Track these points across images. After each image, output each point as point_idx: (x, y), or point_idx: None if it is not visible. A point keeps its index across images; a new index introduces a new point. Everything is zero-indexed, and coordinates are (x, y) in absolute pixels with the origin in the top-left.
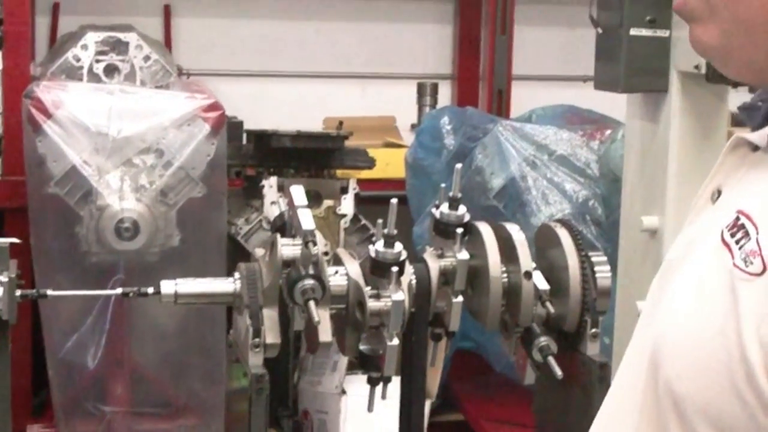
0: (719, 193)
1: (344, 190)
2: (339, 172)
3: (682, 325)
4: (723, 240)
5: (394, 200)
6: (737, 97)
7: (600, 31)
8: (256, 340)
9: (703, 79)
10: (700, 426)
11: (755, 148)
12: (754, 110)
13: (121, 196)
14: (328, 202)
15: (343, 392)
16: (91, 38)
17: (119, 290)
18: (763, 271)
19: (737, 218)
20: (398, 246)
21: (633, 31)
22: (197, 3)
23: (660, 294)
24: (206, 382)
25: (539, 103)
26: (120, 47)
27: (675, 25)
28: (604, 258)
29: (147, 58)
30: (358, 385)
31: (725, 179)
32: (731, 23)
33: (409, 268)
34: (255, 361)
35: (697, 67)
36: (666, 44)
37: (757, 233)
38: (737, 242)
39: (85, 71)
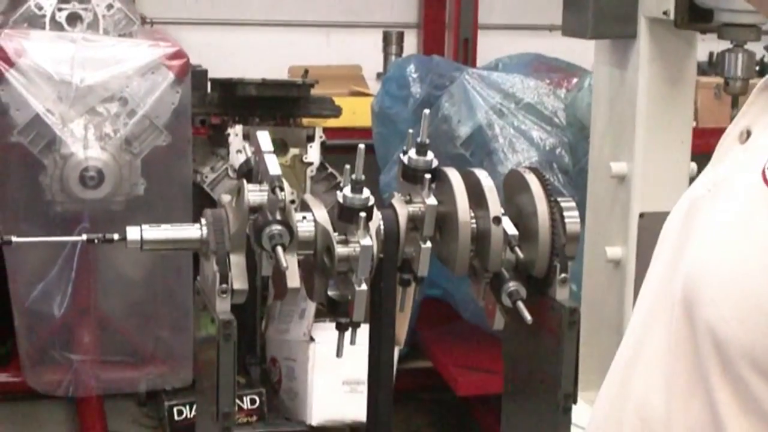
0: (749, 133)
1: (310, 139)
2: (305, 121)
3: (723, 263)
4: (765, 178)
5: (361, 145)
6: (705, 45)
7: None
8: (224, 285)
9: (671, 25)
10: (745, 370)
11: None
12: None
13: (85, 145)
14: (294, 151)
15: (311, 339)
16: None
17: (84, 237)
18: None
19: None
20: (366, 192)
21: None
22: None
23: (686, 232)
24: (173, 330)
25: (505, 52)
26: None
27: None
28: (573, 204)
29: (110, 6)
30: (325, 332)
31: (755, 119)
32: None
33: (377, 214)
34: (222, 307)
35: (665, 12)
36: None
37: None
38: None
39: (47, 20)
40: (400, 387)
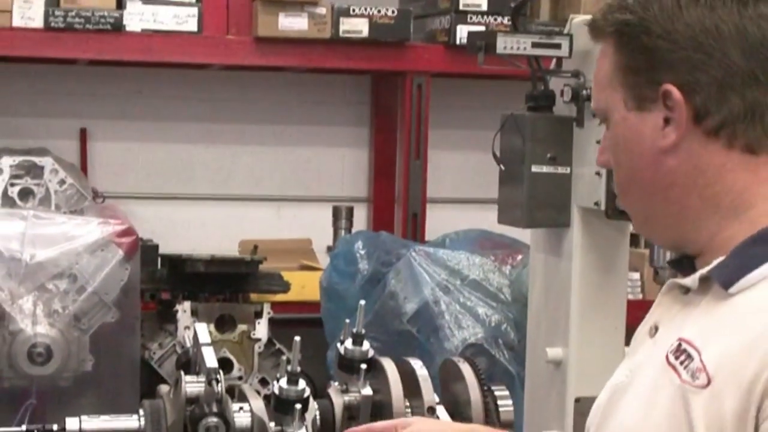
0: (656, 329)
1: (258, 315)
2: (253, 296)
3: None
4: (668, 362)
5: (297, 338)
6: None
7: (502, 168)
8: None
9: (603, 215)
10: None
11: (686, 290)
12: (682, 263)
13: (34, 321)
14: (242, 327)
15: None
16: (6, 162)
17: (23, 428)
18: (708, 384)
19: (679, 344)
20: (301, 383)
21: (534, 168)
22: (113, 126)
23: (607, 414)
24: None
25: (454, 225)
26: (35, 171)
27: (576, 162)
28: (507, 392)
29: (62, 182)
30: None
31: (661, 317)
32: (635, 215)
33: (313, 404)
34: None
35: (597, 203)
36: (567, 181)
37: (700, 355)
38: (681, 363)
39: None
40: None
